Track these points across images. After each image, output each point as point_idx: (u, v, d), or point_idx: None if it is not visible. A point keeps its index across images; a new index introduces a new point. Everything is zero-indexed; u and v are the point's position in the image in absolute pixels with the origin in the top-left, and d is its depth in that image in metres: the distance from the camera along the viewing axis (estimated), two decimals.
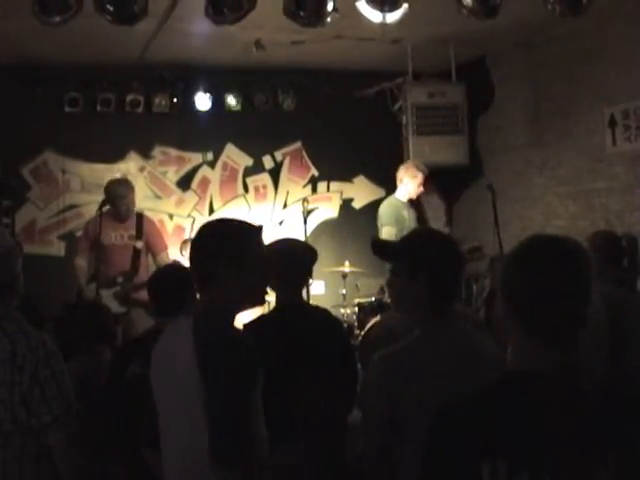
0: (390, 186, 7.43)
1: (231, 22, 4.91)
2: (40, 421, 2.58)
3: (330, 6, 4.95)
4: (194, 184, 8.62)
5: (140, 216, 6.44)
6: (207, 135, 8.51)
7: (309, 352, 3.31)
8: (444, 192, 9.18)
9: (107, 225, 6.18)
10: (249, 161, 8.79)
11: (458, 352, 2.39)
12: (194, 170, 8.61)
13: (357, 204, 9.12)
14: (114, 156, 8.24)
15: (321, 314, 3.70)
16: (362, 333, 6.69)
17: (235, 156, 8.74)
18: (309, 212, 7.79)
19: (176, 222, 8.54)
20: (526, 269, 1.70)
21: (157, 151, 8.44)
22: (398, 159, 7.78)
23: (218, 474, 2.21)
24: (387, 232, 6.79)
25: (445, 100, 8.12)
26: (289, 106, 8.57)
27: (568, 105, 7.31)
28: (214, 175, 8.69)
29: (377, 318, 6.57)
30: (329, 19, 5.02)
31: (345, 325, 6.43)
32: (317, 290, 7.59)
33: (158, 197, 8.46)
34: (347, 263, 7.51)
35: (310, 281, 4.08)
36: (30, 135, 7.79)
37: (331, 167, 8.96)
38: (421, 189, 7.14)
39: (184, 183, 8.58)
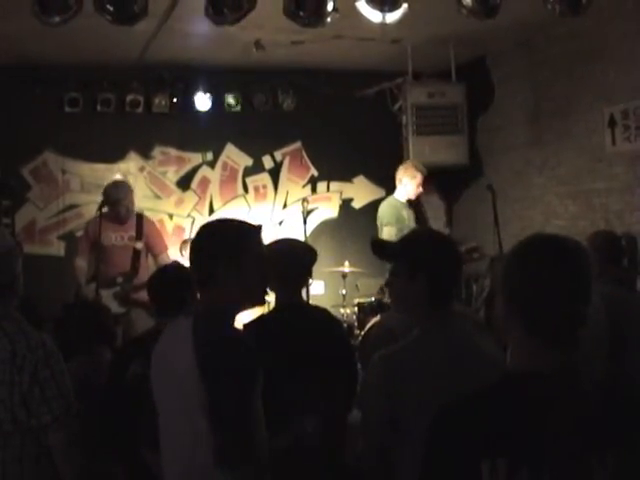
0: (390, 186, 7.43)
1: (231, 22, 4.91)
2: (40, 421, 2.58)
3: (330, 6, 4.94)
4: (194, 184, 8.62)
5: (140, 217, 6.43)
6: (207, 135, 8.52)
7: (309, 352, 3.31)
8: (444, 192, 9.19)
9: (107, 226, 6.18)
10: (249, 161, 8.79)
11: (457, 352, 2.40)
12: (194, 170, 8.61)
13: (357, 204, 9.12)
14: (114, 156, 8.24)
15: (321, 314, 3.70)
16: (362, 333, 6.69)
17: (235, 156, 8.74)
18: (309, 212, 7.79)
19: (176, 222, 8.54)
20: (526, 269, 1.70)
21: (157, 151, 8.44)
22: (398, 159, 7.77)
23: (222, 474, 2.22)
24: (388, 232, 6.80)
25: (445, 100, 8.12)
26: (289, 106, 8.57)
27: (568, 105, 7.31)
28: (214, 175, 8.70)
29: (377, 318, 6.57)
30: (329, 19, 5.02)
31: (345, 325, 6.43)
32: (317, 290, 7.59)
33: (158, 197, 8.46)
34: (347, 263, 7.52)
35: (310, 281, 4.08)
36: (30, 135, 7.80)
37: (331, 167, 8.97)
38: (420, 189, 7.15)
39: (184, 183, 8.58)
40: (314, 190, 9.02)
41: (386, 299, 6.62)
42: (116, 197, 6.23)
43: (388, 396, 2.34)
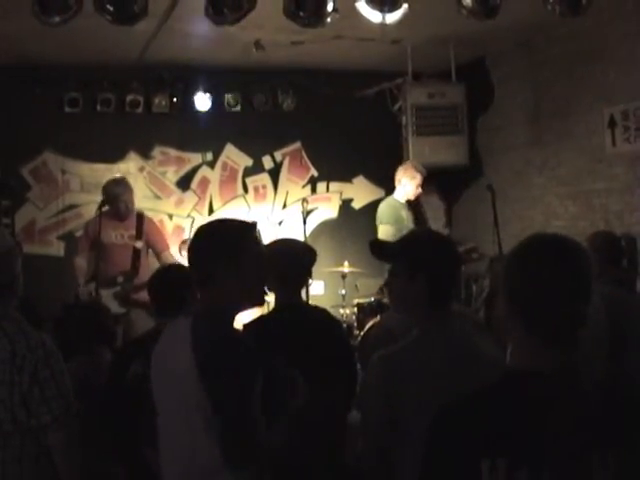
0: (390, 186, 7.43)
1: (231, 22, 4.91)
2: (40, 421, 2.58)
3: (330, 6, 4.94)
4: (194, 184, 8.62)
5: (140, 216, 6.44)
6: (207, 135, 8.51)
7: (308, 352, 3.31)
8: (444, 192, 9.19)
9: (107, 224, 6.18)
10: (249, 161, 8.79)
11: (457, 352, 2.40)
12: (194, 170, 8.61)
13: (357, 204, 9.12)
14: (114, 156, 8.24)
15: (320, 314, 3.70)
16: (361, 333, 6.69)
17: (235, 156, 8.74)
18: (308, 212, 7.79)
19: (176, 222, 8.54)
20: (526, 268, 1.70)
21: (157, 151, 8.44)
22: (398, 159, 7.78)
23: (222, 475, 2.22)
24: (384, 230, 6.81)
25: (445, 100, 8.12)
26: (289, 106, 8.57)
27: (568, 105, 7.32)
28: (214, 175, 8.70)
29: (376, 318, 6.58)
30: (329, 19, 5.02)
31: (344, 325, 6.43)
32: (316, 290, 7.60)
33: (158, 197, 8.46)
34: (346, 263, 7.52)
35: (309, 281, 4.08)
36: (30, 135, 7.80)
37: (331, 167, 8.96)
38: (419, 190, 7.15)
39: (184, 183, 8.58)
40: (314, 190, 9.02)
41: (385, 299, 6.62)
42: (115, 193, 6.24)
43: (387, 396, 2.34)
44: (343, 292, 7.48)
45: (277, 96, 8.55)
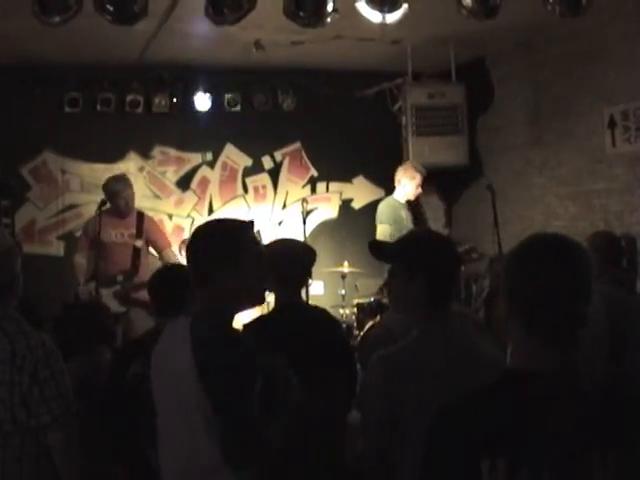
0: (389, 187, 7.44)
1: (231, 22, 4.91)
2: (39, 421, 2.57)
3: (330, 6, 4.94)
4: (193, 184, 8.62)
5: (141, 215, 6.45)
6: (207, 135, 8.52)
7: (308, 352, 3.31)
8: (444, 192, 9.19)
9: (107, 223, 6.18)
10: (248, 161, 8.79)
11: (457, 352, 2.40)
12: (193, 170, 8.61)
13: (356, 204, 9.12)
14: (114, 156, 8.24)
15: (320, 314, 3.70)
16: (361, 333, 6.69)
17: (234, 156, 8.74)
18: (308, 212, 7.79)
19: (175, 222, 8.54)
20: (526, 268, 1.70)
21: (156, 151, 8.44)
22: (398, 160, 7.78)
23: (223, 474, 2.22)
24: (383, 230, 6.82)
25: (445, 100, 8.12)
26: (289, 106, 8.57)
27: (568, 106, 7.32)
28: (213, 175, 8.70)
29: (376, 319, 6.58)
30: (329, 19, 5.02)
31: (344, 325, 6.43)
32: (316, 290, 7.60)
33: (157, 197, 8.46)
34: (346, 263, 7.52)
35: (309, 281, 4.08)
36: (30, 135, 7.80)
37: (330, 167, 8.96)
38: (419, 190, 7.16)
39: (183, 183, 8.58)
40: (314, 190, 9.02)
41: (385, 299, 6.62)
42: (115, 189, 6.25)
43: (387, 396, 2.35)
44: (343, 292, 7.48)
45: (277, 96, 8.55)
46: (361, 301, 7.16)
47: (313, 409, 3.16)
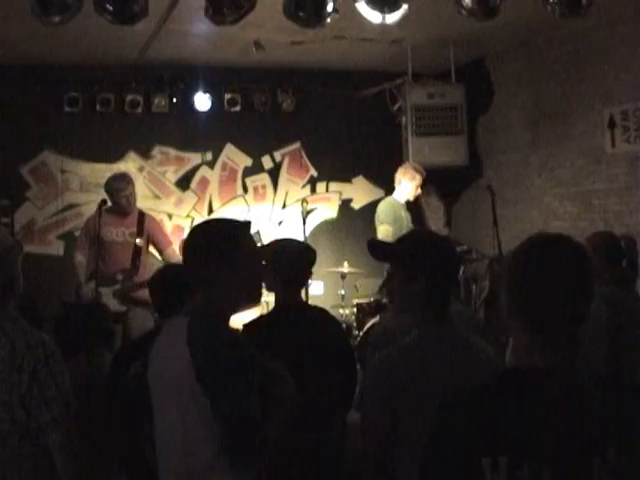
0: (389, 187, 7.44)
1: (231, 22, 4.91)
2: (39, 421, 2.57)
3: (330, 7, 4.95)
4: (193, 184, 8.62)
5: (142, 214, 6.45)
6: (206, 135, 8.51)
7: (308, 352, 3.31)
8: (443, 193, 9.19)
9: (108, 221, 6.18)
10: (248, 161, 8.78)
11: (456, 352, 2.41)
12: (193, 170, 8.60)
13: (356, 205, 9.12)
14: (113, 156, 8.23)
15: (320, 315, 3.71)
16: (361, 333, 6.70)
17: (234, 156, 8.74)
18: (308, 212, 7.78)
19: (175, 222, 8.54)
20: (527, 268, 1.71)
21: (156, 151, 8.43)
22: (397, 160, 7.79)
23: (226, 474, 2.23)
24: (384, 230, 6.81)
25: (444, 101, 8.12)
26: (288, 106, 8.57)
27: (567, 106, 7.32)
28: (213, 175, 8.69)
29: (376, 319, 6.58)
30: (329, 20, 5.03)
31: (344, 326, 6.43)
32: (316, 290, 7.59)
33: (157, 197, 8.45)
34: (346, 264, 7.52)
35: (309, 281, 4.09)
36: (29, 135, 7.80)
37: (330, 167, 8.96)
38: (419, 191, 7.17)
39: (183, 183, 8.58)
40: (313, 190, 9.02)
41: (385, 300, 6.63)
42: (117, 187, 6.26)
43: (387, 397, 2.35)
44: (342, 292, 7.48)
45: (277, 96, 8.54)
46: (361, 301, 7.17)
47: (313, 409, 3.17)
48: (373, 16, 5.06)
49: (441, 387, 2.17)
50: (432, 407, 1.70)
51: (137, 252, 6.25)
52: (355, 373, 3.72)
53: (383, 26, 5.28)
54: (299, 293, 3.66)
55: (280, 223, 8.88)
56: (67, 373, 2.68)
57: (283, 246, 3.68)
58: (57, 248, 8.06)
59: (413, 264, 2.48)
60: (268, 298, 6.03)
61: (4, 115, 7.53)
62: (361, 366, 3.97)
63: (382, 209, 7.06)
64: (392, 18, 5.06)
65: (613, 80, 6.74)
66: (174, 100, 8.19)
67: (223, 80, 8.35)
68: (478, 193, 8.00)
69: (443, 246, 2.60)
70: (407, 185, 7.06)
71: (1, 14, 5.89)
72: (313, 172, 8.99)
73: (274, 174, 8.87)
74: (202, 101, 8.22)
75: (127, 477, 3.67)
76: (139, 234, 6.29)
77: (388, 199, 7.21)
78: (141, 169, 8.36)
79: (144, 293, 4.32)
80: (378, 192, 8.77)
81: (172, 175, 8.53)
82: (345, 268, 7.49)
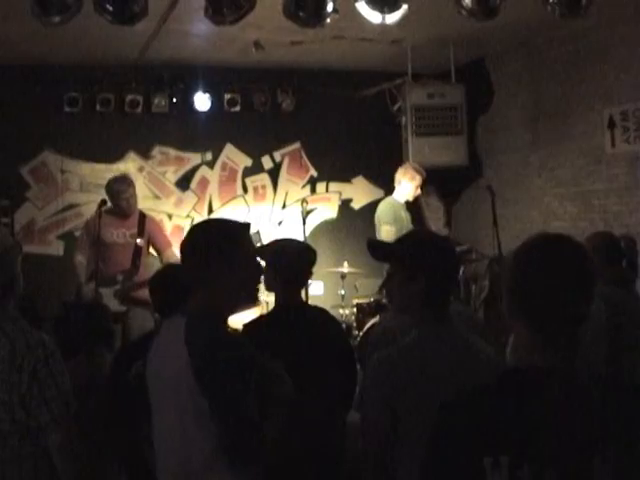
0: (389, 187, 7.44)
1: (230, 22, 4.91)
2: (39, 421, 2.57)
3: (330, 7, 4.95)
4: (193, 184, 8.61)
5: (143, 215, 6.46)
6: (206, 135, 8.51)
7: (308, 352, 3.31)
8: (443, 193, 9.19)
9: (109, 223, 6.19)
10: (248, 161, 8.78)
11: (456, 352, 2.41)
12: (193, 170, 8.60)
13: (356, 205, 9.12)
14: (113, 156, 8.23)
15: (320, 315, 3.71)
16: (361, 334, 6.70)
17: (234, 156, 8.74)
18: (308, 212, 7.78)
19: (175, 222, 8.54)
20: (529, 268, 1.71)
21: (156, 151, 8.43)
22: (397, 160, 7.79)
23: (224, 473, 2.23)
24: (386, 231, 6.81)
25: (444, 101, 8.12)
26: (288, 106, 8.57)
27: (567, 106, 7.32)
28: (213, 175, 8.69)
29: (376, 319, 6.58)
30: (328, 20, 5.03)
31: (344, 326, 6.43)
32: (316, 291, 7.59)
33: (157, 197, 8.45)
34: (346, 264, 7.52)
35: (309, 281, 4.08)
36: (29, 135, 7.79)
37: (330, 168, 8.96)
38: (419, 191, 7.18)
39: (183, 183, 8.58)
40: (313, 190, 9.02)
41: (385, 300, 6.63)
42: (117, 189, 6.26)
43: (387, 397, 2.35)
44: (342, 292, 7.48)
45: (277, 96, 8.54)
46: (361, 301, 7.17)
47: (313, 409, 3.17)
48: (373, 16, 5.06)
49: (441, 387, 2.18)
50: (432, 407, 1.70)
51: (137, 252, 6.26)
52: (355, 373, 3.72)
53: (383, 26, 5.28)
54: (299, 293, 3.66)
55: (280, 223, 8.88)
56: (67, 373, 2.68)
57: (283, 246, 3.69)
58: (57, 248, 8.06)
59: (413, 264, 2.48)
60: (268, 298, 6.04)
61: (4, 115, 7.53)
62: (361, 366, 3.97)
63: (382, 209, 7.06)
64: (392, 18, 5.06)
65: (613, 80, 6.75)
66: (174, 100, 8.19)
67: (223, 80, 8.35)
68: (478, 193, 8.00)
69: (443, 246, 2.60)
70: (407, 185, 7.07)
71: (1, 14, 5.89)
72: (313, 172, 8.99)
73: (274, 174, 8.87)
74: (202, 101, 8.22)
75: (127, 477, 3.67)
76: (140, 235, 6.29)
77: (388, 199, 7.21)
78: (141, 169, 8.36)
79: (144, 293, 4.31)
80: (378, 192, 8.77)
81: (172, 175, 8.53)
82: (345, 268, 7.49)
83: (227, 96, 8.36)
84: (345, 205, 9.12)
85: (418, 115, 8.04)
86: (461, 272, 6.17)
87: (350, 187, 9.13)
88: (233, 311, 2.49)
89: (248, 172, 8.80)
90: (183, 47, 7.34)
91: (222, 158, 8.70)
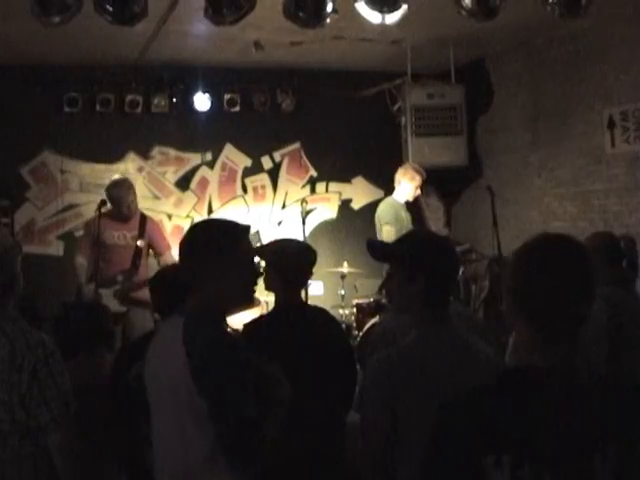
0: (389, 187, 7.44)
1: (230, 23, 4.91)
2: (39, 421, 2.57)
3: (329, 7, 4.95)
4: (193, 184, 8.61)
5: (143, 217, 6.46)
6: (206, 135, 8.51)
7: (308, 353, 3.31)
8: (443, 193, 9.19)
9: (109, 225, 6.19)
10: (248, 161, 8.78)
11: (455, 352, 2.41)
12: (193, 170, 8.60)
13: (356, 205, 9.12)
14: (113, 156, 8.23)
15: (320, 315, 3.70)
16: (360, 334, 6.70)
17: (234, 156, 8.74)
18: (308, 213, 7.79)
19: (175, 222, 8.54)
20: (530, 268, 1.71)
21: (156, 151, 8.43)
22: (397, 160, 7.79)
23: (223, 474, 2.23)
24: (387, 231, 6.82)
25: (444, 101, 8.12)
26: (288, 106, 8.57)
27: (567, 106, 7.32)
28: (213, 175, 8.69)
29: (376, 319, 6.59)
30: (328, 20, 5.03)
31: (343, 326, 6.43)
32: (315, 291, 7.59)
33: (157, 197, 8.45)
34: (346, 264, 7.52)
35: (309, 281, 4.08)
36: (29, 135, 7.79)
37: (330, 168, 8.96)
38: (419, 192, 7.18)
39: (183, 183, 8.58)
40: (313, 191, 9.02)
41: (384, 300, 6.63)
42: (119, 196, 6.26)
43: (387, 397, 2.35)
44: (342, 292, 7.48)
45: (276, 96, 8.54)
46: (360, 301, 7.17)
47: (313, 409, 3.17)
48: (373, 16, 5.07)
49: (441, 387, 2.18)
50: (432, 407, 1.70)
51: (138, 253, 6.26)
52: (355, 373, 3.72)
53: (383, 26, 5.28)
54: (299, 293, 3.66)
55: (280, 223, 8.88)
56: (67, 373, 2.68)
57: (283, 246, 3.69)
58: (57, 248, 8.06)
59: (412, 264, 2.48)
60: (268, 298, 6.04)
61: (4, 115, 7.52)
62: (361, 366, 3.97)
63: (382, 209, 7.07)
64: (392, 18, 5.07)
65: (613, 80, 6.75)
66: (174, 100, 8.19)
67: (223, 80, 8.34)
68: (478, 193, 8.00)
69: (442, 246, 2.60)
70: (407, 186, 7.07)
71: (1, 14, 5.89)
72: (313, 172, 8.99)
73: (274, 174, 8.87)
74: (202, 101, 8.22)
75: (127, 477, 3.67)
76: (140, 236, 6.30)
77: (388, 200, 7.21)
78: (141, 169, 8.36)
79: (144, 294, 4.31)
80: (378, 192, 8.78)
81: (172, 175, 8.52)
82: (345, 268, 7.49)
83: (227, 96, 8.35)
84: (345, 205, 9.12)
85: (418, 115, 8.05)
86: (461, 272, 6.17)
87: (350, 187, 9.13)
88: (230, 310, 2.49)
89: (248, 172, 8.80)
90: (183, 47, 7.34)
91: (222, 158, 8.70)
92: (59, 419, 2.59)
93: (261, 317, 3.76)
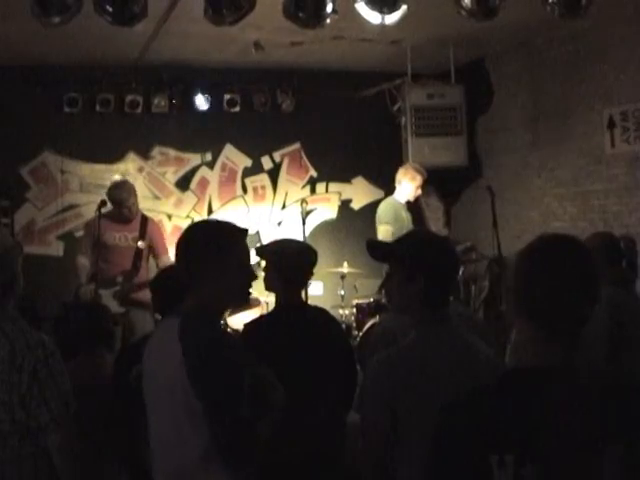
0: (389, 187, 7.44)
1: (230, 23, 4.91)
2: (39, 421, 2.57)
3: (329, 7, 4.95)
4: (193, 185, 8.61)
5: (145, 218, 6.47)
6: (206, 136, 8.51)
7: (308, 353, 3.31)
8: (443, 193, 9.19)
9: (110, 226, 6.20)
10: (248, 162, 8.78)
11: (455, 353, 2.41)
12: (193, 171, 8.60)
13: (356, 205, 9.12)
14: (113, 156, 8.23)
15: (320, 315, 3.70)
16: (360, 334, 6.70)
17: (234, 157, 8.74)
18: (308, 213, 7.78)
19: (175, 223, 8.53)
20: (533, 269, 1.72)
21: (156, 151, 8.43)
22: (397, 160, 7.79)
23: (220, 474, 2.23)
24: (384, 230, 6.82)
25: (444, 101, 8.12)
26: (288, 107, 8.57)
27: (567, 107, 7.32)
28: (213, 176, 8.69)
29: (376, 319, 6.59)
30: (328, 20, 5.03)
31: (343, 326, 6.43)
32: (315, 291, 7.59)
33: (157, 198, 8.45)
34: (345, 264, 7.52)
35: (309, 281, 4.08)
36: (29, 135, 7.79)
37: (330, 168, 8.96)
38: (419, 192, 7.18)
39: (183, 184, 8.58)
40: (313, 191, 9.02)
41: (384, 300, 6.63)
42: (120, 198, 6.26)
43: (387, 397, 2.35)
44: (342, 293, 7.48)
45: (276, 96, 8.54)
46: (360, 301, 7.17)
47: (313, 409, 3.17)
48: (372, 16, 5.07)
49: (441, 387, 2.18)
50: (432, 407, 1.70)
51: (138, 255, 6.27)
52: (355, 373, 3.72)
53: (382, 26, 5.28)
54: (299, 293, 3.66)
55: (280, 223, 8.88)
56: (67, 373, 2.68)
57: (283, 246, 3.69)
58: (57, 249, 8.05)
59: (412, 264, 2.48)
60: (268, 298, 6.03)
61: (4, 115, 7.52)
62: (361, 366, 3.97)
63: (383, 209, 7.07)
64: (391, 18, 5.07)
65: (613, 80, 6.75)
66: (174, 100, 8.18)
67: (223, 80, 8.34)
68: (478, 193, 8.00)
69: (442, 246, 2.60)
70: (407, 186, 7.07)
71: (1, 14, 5.89)
72: (313, 172, 8.99)
73: (274, 174, 8.88)
74: (202, 101, 8.23)
75: (127, 477, 3.67)
76: (141, 238, 6.31)
77: (389, 199, 7.21)
78: (141, 169, 8.36)
79: (144, 294, 4.31)
80: (378, 192, 8.78)
81: (172, 176, 8.52)
82: (345, 268, 7.49)
83: (227, 96, 8.35)
84: (345, 205, 9.12)
85: (418, 115, 8.04)
86: (461, 272, 6.17)
87: (350, 187, 9.13)
88: (225, 310, 2.50)
89: (248, 172, 8.80)
90: (183, 48, 7.34)
91: (222, 158, 8.70)
92: (59, 419, 2.59)
93: (261, 317, 3.76)
